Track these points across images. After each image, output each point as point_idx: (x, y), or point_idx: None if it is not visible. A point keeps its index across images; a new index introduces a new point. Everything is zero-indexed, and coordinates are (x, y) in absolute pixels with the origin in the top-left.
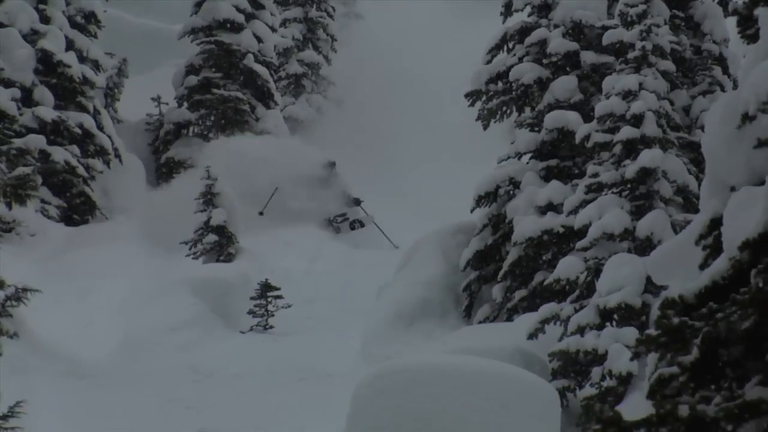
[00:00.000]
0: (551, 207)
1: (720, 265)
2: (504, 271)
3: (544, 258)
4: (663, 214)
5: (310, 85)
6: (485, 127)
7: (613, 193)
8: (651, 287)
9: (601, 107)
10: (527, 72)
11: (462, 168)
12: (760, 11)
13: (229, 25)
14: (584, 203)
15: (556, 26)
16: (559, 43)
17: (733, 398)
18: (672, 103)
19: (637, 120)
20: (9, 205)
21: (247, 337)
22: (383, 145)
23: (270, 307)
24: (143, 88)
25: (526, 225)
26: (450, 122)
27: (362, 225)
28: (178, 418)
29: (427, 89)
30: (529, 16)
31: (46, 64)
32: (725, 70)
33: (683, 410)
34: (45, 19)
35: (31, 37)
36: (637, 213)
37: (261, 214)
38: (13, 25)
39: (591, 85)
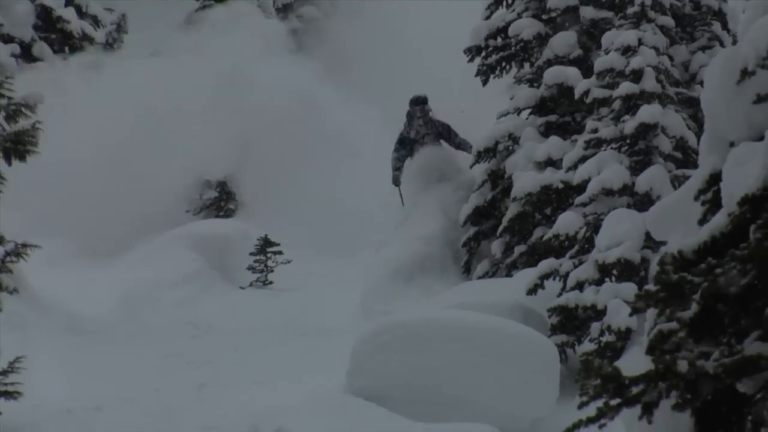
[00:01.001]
0: (550, 162)
1: (719, 220)
2: (503, 227)
3: (543, 213)
4: (662, 170)
5: (310, 41)
6: (484, 82)
7: (612, 148)
8: (650, 243)
9: (600, 63)
10: (526, 27)
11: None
12: None
13: None
14: (583, 159)
15: None
16: None
17: (732, 354)
18: (671, 59)
19: (636, 75)
20: (9, 161)
21: (246, 293)
22: (385, 100)
23: (269, 263)
24: (143, 43)
25: (525, 180)
26: (448, 81)
27: None
28: (178, 373)
29: (428, 50)
30: None
31: (46, 20)
32: (724, 26)
33: (682, 365)
34: None
35: None
36: (637, 168)
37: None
38: None
39: (590, 40)
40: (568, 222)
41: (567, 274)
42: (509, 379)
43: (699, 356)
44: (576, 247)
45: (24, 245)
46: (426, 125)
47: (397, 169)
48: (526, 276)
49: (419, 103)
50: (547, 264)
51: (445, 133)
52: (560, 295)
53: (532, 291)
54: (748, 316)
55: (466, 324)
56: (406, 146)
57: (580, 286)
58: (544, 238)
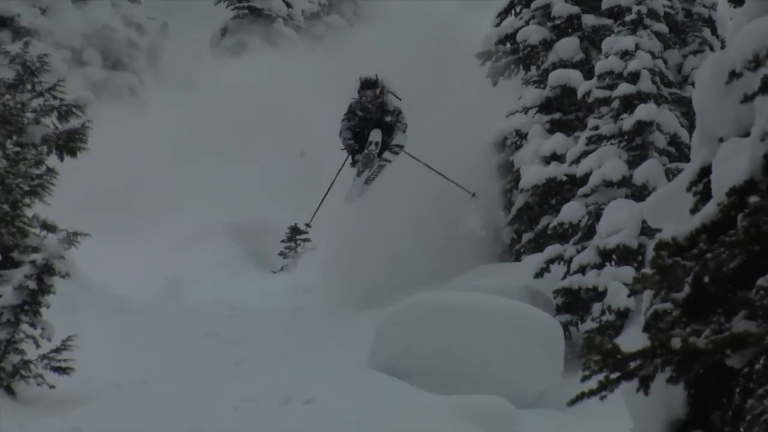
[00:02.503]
0: (555, 157)
1: (709, 209)
2: (512, 216)
3: (548, 204)
4: (657, 163)
5: (334, 46)
6: (495, 83)
7: (611, 144)
8: (646, 230)
9: (600, 66)
10: (533, 34)
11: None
12: None
13: None
14: (585, 153)
15: None
16: (562, 7)
17: (722, 331)
18: (665, 62)
19: (633, 77)
20: (61, 157)
21: (279, 277)
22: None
23: (299, 249)
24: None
25: (532, 174)
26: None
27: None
28: (216, 350)
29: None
30: None
31: (94, 29)
32: (714, 32)
33: (676, 342)
34: None
35: (80, 3)
36: (634, 162)
37: (308, 226)
38: None
39: (591, 45)
40: (572, 211)
41: (571, 259)
42: (518, 355)
43: (691, 334)
44: (579, 234)
45: (75, 233)
46: (374, 106)
47: (350, 139)
48: (534, 261)
49: (367, 87)
50: (552, 250)
51: (391, 116)
52: (564, 278)
53: (539, 274)
54: (737, 297)
55: (479, 305)
56: (353, 118)
57: (582, 269)
58: (550, 226)
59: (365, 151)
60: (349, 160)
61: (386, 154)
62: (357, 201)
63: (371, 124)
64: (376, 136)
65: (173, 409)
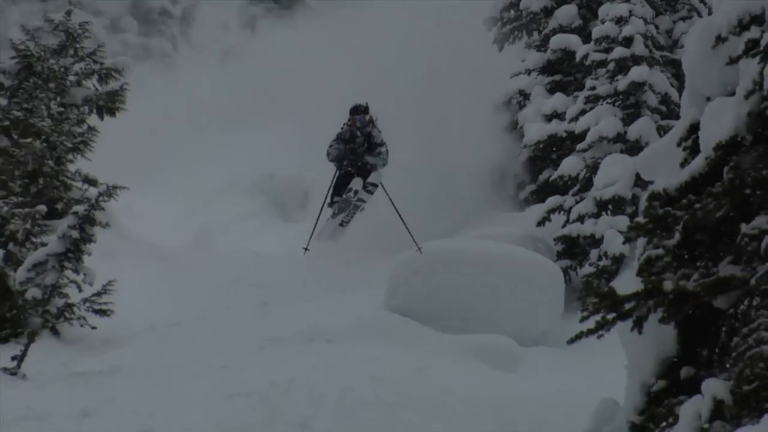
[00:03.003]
0: (556, 115)
1: (698, 163)
2: (516, 170)
3: (550, 158)
4: (650, 121)
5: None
6: (500, 48)
7: (607, 103)
8: (640, 182)
9: (597, 31)
10: (535, 1)
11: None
12: None
13: None
14: (583, 112)
15: None
16: None
17: (709, 275)
18: (657, 27)
19: (627, 41)
20: (101, 117)
21: (301, 227)
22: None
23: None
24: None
25: (534, 130)
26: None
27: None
28: (245, 294)
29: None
30: None
31: None
32: None
33: (667, 285)
34: None
35: None
36: (628, 120)
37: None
38: None
39: (589, 12)
40: (571, 165)
41: (570, 209)
42: (522, 298)
43: (681, 277)
44: (577, 186)
45: (114, 187)
46: (362, 135)
47: (338, 156)
48: (536, 211)
49: (357, 112)
50: (553, 200)
51: (375, 147)
52: (564, 226)
53: (541, 223)
54: (723, 243)
55: (486, 251)
56: (341, 143)
57: (581, 218)
58: (551, 179)
59: (344, 196)
60: (334, 183)
61: (361, 194)
62: (327, 241)
63: (357, 154)
64: (357, 184)
65: (204, 348)
